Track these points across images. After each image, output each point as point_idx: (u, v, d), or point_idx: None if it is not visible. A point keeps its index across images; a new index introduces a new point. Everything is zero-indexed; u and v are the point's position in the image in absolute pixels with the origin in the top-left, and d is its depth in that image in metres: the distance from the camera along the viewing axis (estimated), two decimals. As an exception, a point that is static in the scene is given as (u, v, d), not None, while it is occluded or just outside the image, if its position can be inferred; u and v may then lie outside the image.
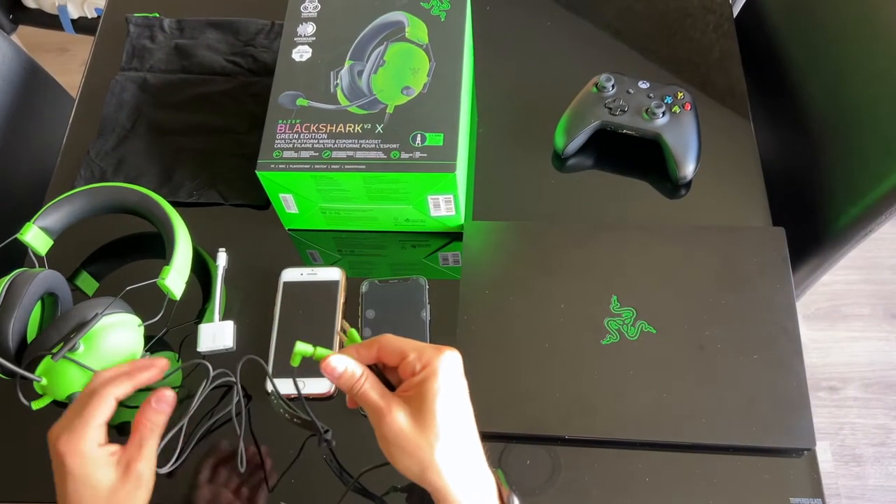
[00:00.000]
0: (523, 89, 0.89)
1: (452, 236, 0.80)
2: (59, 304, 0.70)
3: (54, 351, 0.62)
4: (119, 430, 0.71)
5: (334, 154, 0.72)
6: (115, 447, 0.55)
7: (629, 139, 0.81)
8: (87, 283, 0.79)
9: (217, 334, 0.74)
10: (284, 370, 0.70)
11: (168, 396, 0.57)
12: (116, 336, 0.65)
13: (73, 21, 1.47)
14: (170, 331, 0.75)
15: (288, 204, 0.77)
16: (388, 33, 0.78)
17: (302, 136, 0.73)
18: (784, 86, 0.96)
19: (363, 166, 0.71)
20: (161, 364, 0.59)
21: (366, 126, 0.73)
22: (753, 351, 0.69)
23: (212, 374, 0.65)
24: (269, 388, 0.60)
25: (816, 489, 0.65)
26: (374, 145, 0.72)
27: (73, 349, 0.62)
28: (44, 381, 0.63)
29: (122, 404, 0.71)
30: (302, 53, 0.78)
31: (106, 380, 0.56)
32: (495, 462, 0.67)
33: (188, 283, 0.71)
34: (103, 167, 0.85)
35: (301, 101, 0.75)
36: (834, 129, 0.88)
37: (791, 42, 0.96)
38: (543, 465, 0.67)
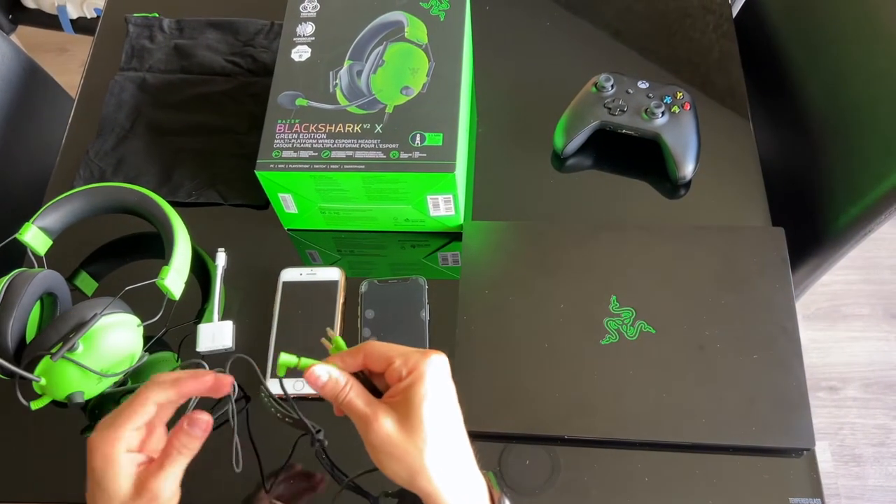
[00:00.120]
0: (523, 89, 0.89)
1: (452, 236, 0.80)
2: (58, 305, 0.70)
3: (53, 351, 0.62)
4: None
5: (333, 154, 0.72)
6: (142, 458, 0.52)
7: (628, 139, 0.81)
8: (86, 283, 0.79)
9: (216, 334, 0.73)
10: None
11: (201, 421, 0.52)
12: (115, 336, 0.65)
13: (72, 21, 1.47)
14: (169, 331, 0.74)
15: (287, 204, 0.77)
16: (388, 33, 0.78)
17: (301, 136, 0.73)
18: (784, 86, 0.96)
19: (362, 166, 0.71)
20: (209, 381, 0.54)
21: (365, 126, 0.73)
22: (753, 351, 0.69)
23: None
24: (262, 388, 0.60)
25: (816, 489, 0.65)
26: (373, 145, 0.72)
27: (72, 349, 0.62)
28: (43, 381, 0.63)
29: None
30: (301, 53, 0.78)
31: (152, 383, 0.53)
32: (495, 462, 0.67)
33: (187, 284, 0.71)
34: (102, 167, 0.85)
35: (300, 101, 0.75)
36: (834, 129, 0.88)
37: (791, 42, 0.96)
38: (543, 465, 0.67)
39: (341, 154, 0.72)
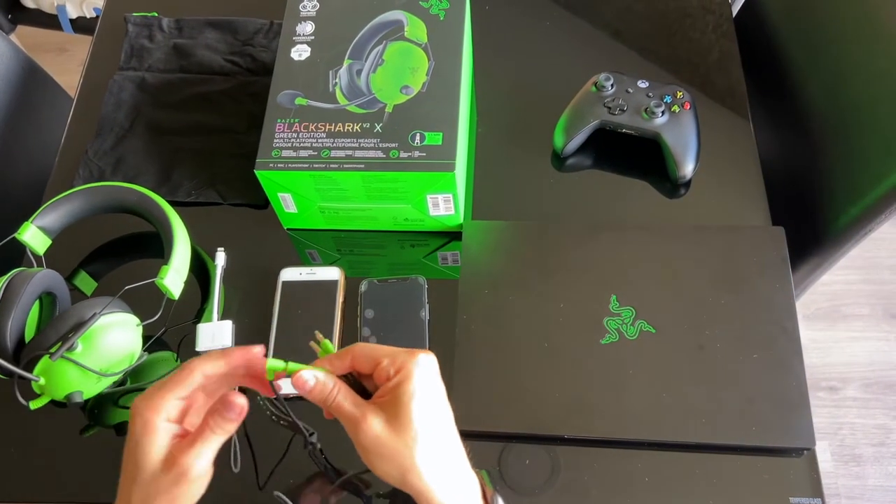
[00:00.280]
0: (523, 89, 0.89)
1: (451, 236, 0.80)
2: (57, 304, 0.70)
3: (52, 350, 0.61)
4: (117, 430, 0.71)
5: (333, 153, 0.72)
6: (178, 430, 0.50)
7: (628, 139, 0.81)
8: (85, 282, 0.79)
9: (216, 334, 0.73)
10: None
11: (235, 405, 0.50)
12: (115, 336, 0.65)
13: (71, 21, 1.47)
14: (168, 330, 0.74)
15: (287, 203, 0.77)
16: (387, 32, 0.78)
17: (301, 135, 0.73)
18: (784, 86, 0.96)
19: (362, 165, 0.71)
20: (258, 352, 0.52)
21: (365, 125, 0.73)
22: (753, 351, 0.69)
23: None
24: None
25: (816, 489, 0.65)
26: (373, 144, 0.72)
27: (71, 349, 0.62)
28: (42, 381, 0.63)
29: (121, 405, 0.72)
30: (301, 52, 0.78)
31: (201, 357, 0.52)
32: (495, 462, 0.67)
33: (187, 283, 0.71)
34: (102, 167, 0.85)
35: (300, 101, 0.75)
36: (834, 128, 0.88)
37: (791, 42, 0.96)
38: (543, 465, 0.67)
39: (341, 153, 0.72)
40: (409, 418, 0.49)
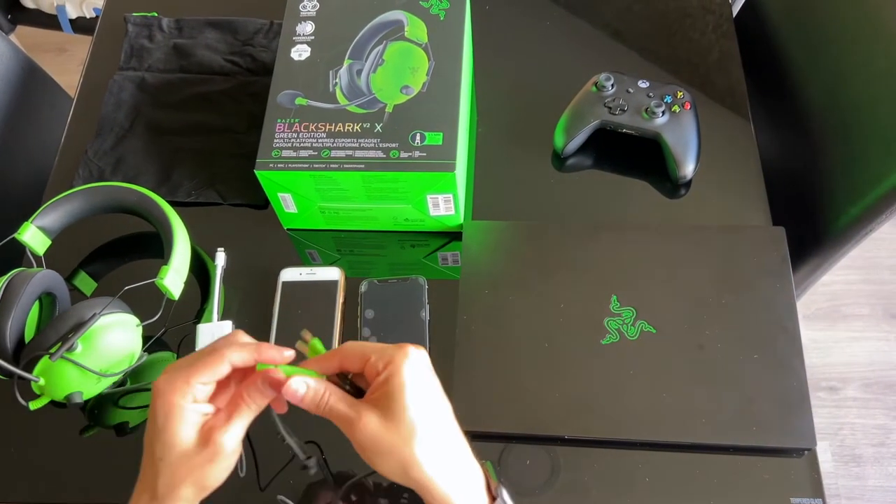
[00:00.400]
0: (523, 89, 0.89)
1: (452, 236, 0.80)
2: (56, 304, 0.70)
3: (52, 351, 0.61)
4: (117, 431, 0.71)
5: (333, 153, 0.72)
6: (210, 409, 0.51)
7: (629, 139, 0.81)
8: (85, 282, 0.79)
9: (216, 334, 0.73)
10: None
11: (277, 381, 0.50)
12: (115, 336, 0.65)
13: (71, 21, 1.47)
14: (168, 331, 0.74)
15: (287, 203, 0.77)
16: (388, 32, 0.78)
17: (301, 135, 0.73)
18: (784, 86, 0.96)
19: (362, 165, 0.71)
20: (290, 356, 0.53)
21: (365, 125, 0.73)
22: (754, 351, 0.69)
23: None
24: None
25: (817, 489, 0.64)
26: (373, 144, 0.72)
27: (71, 349, 0.62)
28: (42, 382, 0.63)
29: (121, 405, 0.72)
30: (301, 52, 0.78)
31: (231, 342, 0.52)
32: (495, 462, 0.67)
33: (187, 283, 0.71)
34: (101, 167, 0.85)
35: (300, 101, 0.75)
36: (834, 129, 0.88)
37: (791, 42, 0.96)
38: (543, 466, 0.67)
39: (341, 153, 0.72)
40: (402, 411, 0.48)
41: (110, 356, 0.64)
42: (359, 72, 0.76)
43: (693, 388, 0.67)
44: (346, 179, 0.72)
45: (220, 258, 0.77)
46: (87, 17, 1.47)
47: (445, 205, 0.75)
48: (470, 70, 0.86)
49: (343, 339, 0.73)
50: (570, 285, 0.73)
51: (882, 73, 0.80)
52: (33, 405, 0.65)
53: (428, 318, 0.74)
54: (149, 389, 0.58)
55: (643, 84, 0.80)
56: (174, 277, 0.69)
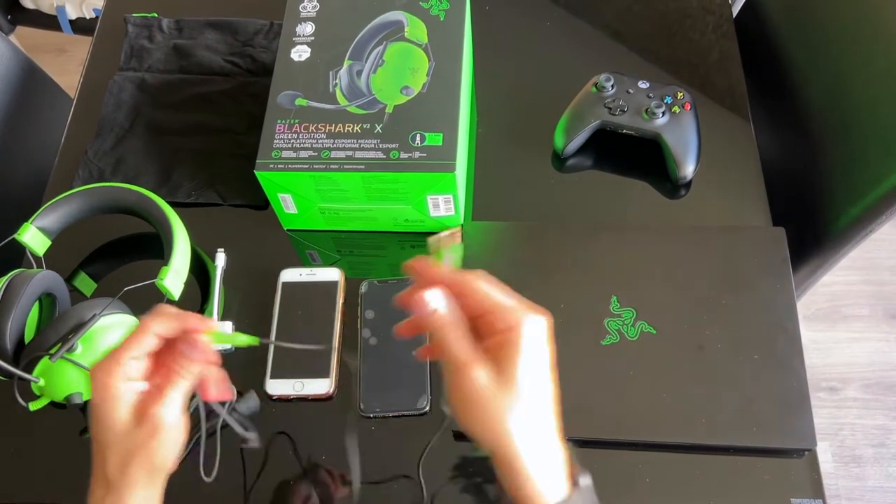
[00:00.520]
0: (523, 89, 0.89)
1: (452, 236, 0.80)
2: (56, 305, 0.70)
3: (52, 352, 0.61)
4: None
5: (333, 154, 0.72)
6: (144, 386, 0.49)
7: (629, 139, 0.81)
8: (85, 283, 0.79)
9: (216, 335, 0.73)
10: (284, 371, 0.70)
11: (197, 341, 0.49)
12: (114, 336, 0.65)
13: (71, 21, 1.47)
14: (168, 331, 0.74)
15: (287, 204, 0.77)
16: (388, 33, 0.78)
17: (301, 135, 0.73)
18: (784, 86, 0.96)
19: (362, 166, 0.71)
20: (213, 322, 0.53)
21: (365, 126, 0.73)
22: (754, 351, 0.69)
23: None
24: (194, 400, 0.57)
25: (817, 490, 0.64)
26: (373, 145, 0.72)
27: (70, 350, 0.62)
28: (41, 382, 0.63)
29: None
30: (301, 53, 0.78)
31: (154, 314, 0.50)
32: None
33: (186, 284, 0.71)
34: (101, 167, 0.85)
35: (300, 101, 0.75)
36: (834, 129, 0.88)
37: (791, 42, 0.96)
38: (543, 466, 0.67)
39: (341, 154, 0.72)
40: (513, 380, 0.47)
41: (110, 357, 0.64)
42: (359, 72, 0.76)
43: (693, 389, 0.67)
44: (346, 180, 0.72)
45: (220, 259, 0.77)
46: (87, 17, 1.47)
47: (445, 205, 0.75)
48: (470, 70, 0.86)
49: (343, 340, 0.73)
50: (570, 286, 0.73)
51: (882, 74, 0.80)
52: (33, 406, 0.65)
53: (428, 318, 0.73)
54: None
55: (643, 85, 0.80)
56: (174, 278, 0.69)
